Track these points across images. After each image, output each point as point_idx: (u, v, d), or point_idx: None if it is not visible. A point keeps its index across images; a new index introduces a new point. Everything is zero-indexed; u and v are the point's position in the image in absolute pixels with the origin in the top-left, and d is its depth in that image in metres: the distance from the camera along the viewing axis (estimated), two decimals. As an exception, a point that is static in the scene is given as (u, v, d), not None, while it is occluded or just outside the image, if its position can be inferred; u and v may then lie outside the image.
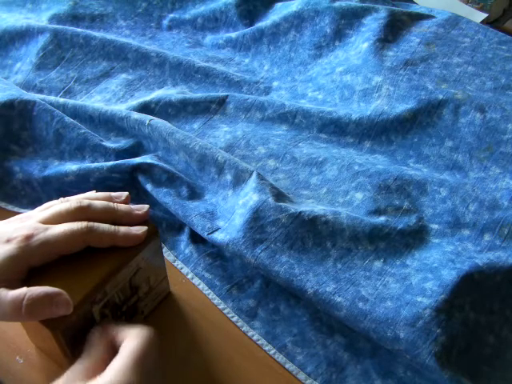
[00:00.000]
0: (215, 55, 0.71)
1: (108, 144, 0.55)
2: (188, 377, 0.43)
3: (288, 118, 0.61)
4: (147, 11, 0.77)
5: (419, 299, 0.43)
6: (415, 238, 0.50)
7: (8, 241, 0.34)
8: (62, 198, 0.40)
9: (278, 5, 0.74)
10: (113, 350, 0.34)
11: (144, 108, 0.60)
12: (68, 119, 0.55)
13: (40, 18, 0.73)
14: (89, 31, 0.69)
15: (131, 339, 0.34)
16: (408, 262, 0.47)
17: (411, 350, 0.41)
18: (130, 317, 0.42)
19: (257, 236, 0.47)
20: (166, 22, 0.76)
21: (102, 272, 0.36)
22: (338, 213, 0.49)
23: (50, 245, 0.35)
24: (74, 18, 0.73)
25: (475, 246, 0.49)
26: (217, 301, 0.48)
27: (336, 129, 0.60)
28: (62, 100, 0.59)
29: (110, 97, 0.64)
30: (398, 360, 0.44)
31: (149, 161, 0.53)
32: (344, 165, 0.55)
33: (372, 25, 0.67)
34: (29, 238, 0.34)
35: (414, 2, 0.80)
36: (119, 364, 0.32)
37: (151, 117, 0.56)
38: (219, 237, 0.48)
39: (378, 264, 0.47)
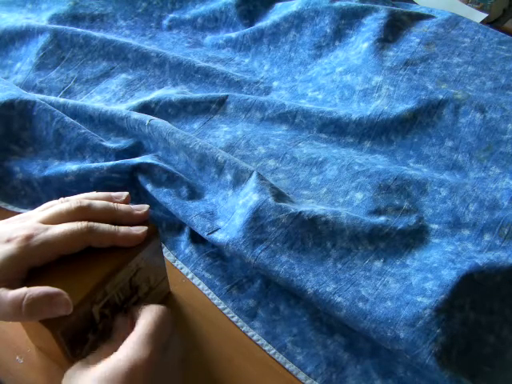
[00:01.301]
0: (215, 55, 0.71)
1: (108, 144, 0.55)
2: (188, 376, 0.43)
3: (288, 118, 0.61)
4: (147, 11, 0.77)
5: (419, 299, 0.43)
6: (415, 238, 0.50)
7: (8, 241, 0.34)
8: (62, 198, 0.40)
9: (278, 5, 0.74)
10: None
11: (144, 108, 0.60)
12: (68, 119, 0.55)
13: (40, 18, 0.73)
14: (89, 31, 0.69)
15: (144, 316, 0.36)
16: (408, 261, 0.47)
17: (411, 350, 0.41)
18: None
19: (257, 236, 0.47)
20: (166, 22, 0.76)
21: (102, 272, 0.36)
22: (338, 213, 0.49)
23: (50, 245, 0.35)
24: (74, 18, 0.73)
25: (475, 246, 0.49)
26: (217, 301, 0.48)
27: (336, 129, 0.60)
28: (62, 100, 0.59)
29: (110, 97, 0.64)
30: (398, 360, 0.44)
31: (149, 161, 0.53)
32: (344, 165, 0.55)
33: (372, 25, 0.67)
34: (29, 238, 0.34)
35: (414, 2, 0.80)
36: (133, 339, 0.34)
37: (151, 117, 0.56)
38: (219, 237, 0.48)
39: (378, 264, 0.47)
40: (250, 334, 0.46)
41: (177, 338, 0.37)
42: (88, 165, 0.53)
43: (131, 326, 0.36)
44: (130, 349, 0.33)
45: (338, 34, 0.68)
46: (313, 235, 0.47)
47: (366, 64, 0.63)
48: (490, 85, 0.61)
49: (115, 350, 0.34)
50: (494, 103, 0.57)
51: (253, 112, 0.62)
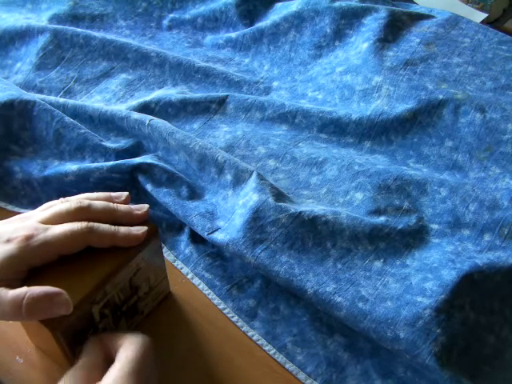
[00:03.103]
0: (215, 55, 0.71)
1: (108, 144, 0.55)
2: (188, 377, 0.43)
3: (288, 118, 0.61)
4: (147, 11, 0.77)
5: (419, 299, 0.43)
6: (415, 238, 0.50)
7: (8, 241, 0.34)
8: (62, 198, 0.40)
9: (278, 5, 0.74)
10: (108, 359, 0.34)
11: (144, 108, 0.60)
12: (68, 119, 0.55)
13: (40, 18, 0.73)
14: (89, 31, 0.69)
15: (127, 347, 0.34)
16: (408, 261, 0.47)
17: (411, 350, 0.41)
18: (130, 317, 0.42)
19: (257, 236, 0.47)
20: (166, 22, 0.76)
21: (102, 272, 0.36)
22: (338, 213, 0.49)
23: (50, 245, 0.35)
24: (74, 18, 0.73)
25: (475, 246, 0.49)
26: (217, 301, 0.48)
27: (336, 129, 0.60)
28: (62, 100, 0.59)
29: (110, 97, 0.64)
30: (397, 360, 0.44)
31: (149, 161, 0.53)
32: (344, 165, 0.55)
33: (372, 25, 0.67)
34: (29, 238, 0.34)
35: (414, 2, 0.80)
36: (116, 372, 0.32)
37: (151, 117, 0.56)
38: (219, 237, 0.48)
39: (378, 264, 0.47)
40: (250, 333, 0.46)
41: (155, 369, 0.35)
42: (88, 165, 0.53)
43: (105, 351, 0.35)
44: (113, 381, 0.31)
45: (338, 34, 0.68)
46: (313, 235, 0.47)
47: (366, 64, 0.63)
48: (489, 85, 0.61)
49: (90, 376, 0.33)
50: (494, 103, 0.57)
51: (253, 112, 0.62)
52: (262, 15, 0.74)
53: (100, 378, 0.33)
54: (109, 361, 0.34)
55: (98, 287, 0.36)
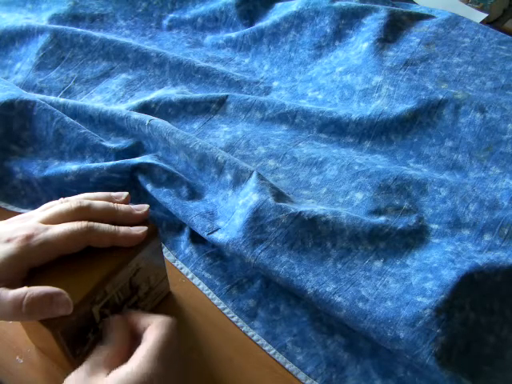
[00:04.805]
0: (215, 55, 0.71)
1: (108, 144, 0.55)
2: (188, 377, 0.43)
3: (288, 118, 0.61)
4: (147, 11, 0.77)
5: (419, 299, 0.43)
6: (415, 238, 0.50)
7: (8, 240, 0.34)
8: (62, 199, 0.40)
9: (278, 5, 0.74)
10: (134, 338, 0.35)
11: (144, 108, 0.60)
12: (68, 119, 0.55)
13: (40, 18, 0.73)
14: (89, 31, 0.69)
15: (155, 328, 0.35)
16: (408, 261, 0.47)
17: (411, 350, 0.41)
18: (130, 317, 0.42)
19: (257, 236, 0.47)
20: (166, 22, 0.76)
21: (102, 272, 0.36)
22: (338, 213, 0.49)
23: (50, 245, 0.35)
24: (74, 18, 0.73)
25: (475, 246, 0.49)
26: (217, 301, 0.48)
27: (336, 129, 0.60)
28: (62, 100, 0.59)
29: (110, 97, 0.64)
30: (397, 360, 0.44)
31: (149, 161, 0.53)
32: (344, 165, 0.55)
33: (372, 25, 0.67)
34: (29, 237, 0.35)
35: (414, 2, 0.80)
36: (143, 353, 0.33)
37: (151, 117, 0.56)
38: (219, 237, 0.48)
39: (378, 264, 0.47)
40: (250, 333, 0.46)
41: (179, 351, 0.36)
42: (88, 165, 0.53)
43: (131, 331, 0.36)
44: (141, 363, 0.32)
45: (338, 34, 0.68)
46: (313, 235, 0.48)
47: (366, 64, 0.63)
48: (490, 85, 0.61)
49: (117, 356, 0.34)
50: (494, 103, 0.57)
51: (253, 112, 0.62)
52: (262, 15, 0.74)
53: (127, 354, 0.34)
54: (134, 340, 0.35)
55: (98, 287, 0.36)
